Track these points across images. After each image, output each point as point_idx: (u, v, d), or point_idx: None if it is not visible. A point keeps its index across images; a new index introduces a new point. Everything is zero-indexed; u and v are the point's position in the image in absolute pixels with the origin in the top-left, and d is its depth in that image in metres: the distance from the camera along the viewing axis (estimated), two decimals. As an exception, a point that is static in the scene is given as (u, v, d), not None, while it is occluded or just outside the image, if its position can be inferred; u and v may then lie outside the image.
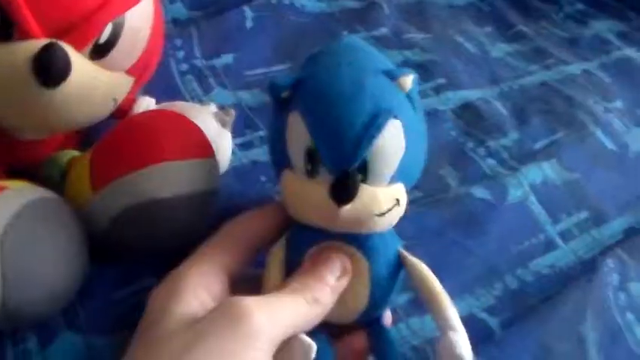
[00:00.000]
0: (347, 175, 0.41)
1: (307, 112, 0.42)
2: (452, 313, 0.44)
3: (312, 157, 0.42)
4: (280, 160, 0.45)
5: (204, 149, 0.50)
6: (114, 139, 0.49)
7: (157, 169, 0.46)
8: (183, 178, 0.47)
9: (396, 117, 0.42)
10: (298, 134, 0.43)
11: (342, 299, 0.44)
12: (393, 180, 0.43)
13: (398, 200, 0.44)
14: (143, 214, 0.46)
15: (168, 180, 0.46)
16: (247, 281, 0.45)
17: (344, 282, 0.44)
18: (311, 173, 0.43)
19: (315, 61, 0.46)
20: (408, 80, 0.44)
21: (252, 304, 0.38)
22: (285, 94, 0.44)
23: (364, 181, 0.42)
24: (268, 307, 0.39)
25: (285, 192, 0.45)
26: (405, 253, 0.46)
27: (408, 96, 0.44)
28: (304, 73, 0.44)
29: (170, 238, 0.47)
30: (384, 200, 0.43)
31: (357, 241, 0.44)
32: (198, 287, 0.41)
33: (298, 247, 0.45)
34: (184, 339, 0.37)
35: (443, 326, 0.43)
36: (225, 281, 0.43)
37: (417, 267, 0.45)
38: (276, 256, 0.45)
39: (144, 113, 0.54)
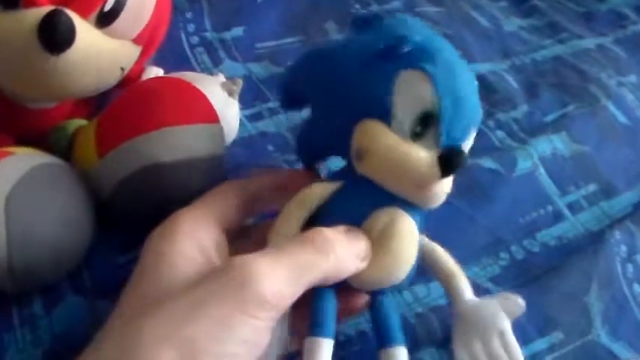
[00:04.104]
0: (459, 148, 0.41)
1: (440, 78, 0.41)
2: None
3: (426, 121, 0.41)
4: (360, 109, 0.42)
5: (208, 115, 0.50)
6: (118, 105, 0.50)
7: (161, 134, 0.46)
8: (188, 142, 0.47)
9: None
10: (418, 94, 0.41)
11: (394, 263, 0.43)
12: None
13: None
14: (147, 179, 0.47)
15: (172, 144, 0.47)
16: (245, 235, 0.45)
17: (363, 265, 0.42)
18: (416, 135, 0.41)
19: (408, 27, 0.44)
20: None
21: (258, 268, 0.36)
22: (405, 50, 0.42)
23: None
24: (276, 269, 0.37)
25: (372, 145, 0.42)
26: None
27: None
28: (422, 37, 0.42)
29: (175, 203, 0.47)
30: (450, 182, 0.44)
31: (414, 210, 0.44)
32: (193, 231, 0.40)
33: (354, 201, 0.44)
34: (184, 305, 0.35)
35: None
36: (220, 230, 0.43)
37: (430, 247, 0.48)
38: (305, 202, 0.44)
39: (148, 80, 0.55)
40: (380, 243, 0.43)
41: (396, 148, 0.41)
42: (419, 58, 0.41)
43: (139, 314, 0.36)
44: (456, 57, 0.43)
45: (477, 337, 0.46)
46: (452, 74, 0.42)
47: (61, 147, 0.53)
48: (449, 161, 0.40)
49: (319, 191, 0.44)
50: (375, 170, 0.42)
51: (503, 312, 0.47)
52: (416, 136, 0.41)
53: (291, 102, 0.52)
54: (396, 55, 0.41)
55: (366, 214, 0.43)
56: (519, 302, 0.47)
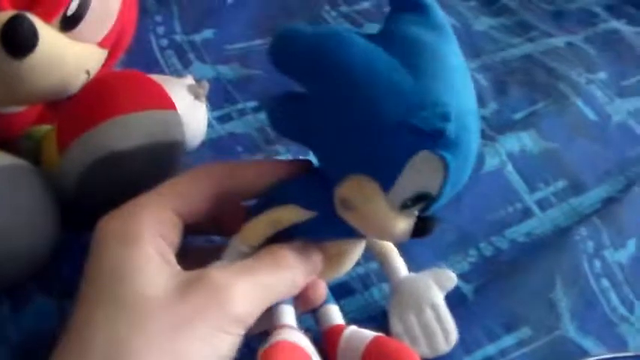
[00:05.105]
0: (434, 217, 0.41)
1: (454, 169, 0.38)
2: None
3: (419, 200, 0.40)
4: (364, 164, 0.39)
5: (160, 100, 0.50)
6: (73, 102, 0.50)
7: (114, 123, 0.46)
8: (141, 129, 0.47)
9: None
10: (427, 178, 0.39)
11: (342, 272, 0.48)
12: None
13: None
14: (105, 169, 0.46)
15: (125, 132, 0.46)
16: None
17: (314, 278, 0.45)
18: (404, 207, 0.40)
19: (450, 86, 0.39)
20: None
21: (236, 290, 0.38)
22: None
23: None
24: (250, 291, 0.39)
25: (361, 206, 0.40)
26: None
27: None
28: (457, 108, 0.38)
29: (136, 192, 0.46)
30: None
31: None
32: (156, 236, 0.40)
33: (323, 231, 0.44)
34: (171, 323, 0.36)
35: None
36: (180, 228, 0.42)
37: None
38: (277, 224, 0.43)
39: (99, 74, 0.54)
40: (335, 259, 0.46)
41: (384, 218, 0.40)
42: (444, 143, 0.38)
43: (124, 326, 0.36)
44: (475, 134, 0.40)
45: (410, 309, 0.49)
46: (465, 163, 0.40)
47: (30, 152, 0.53)
48: (422, 230, 0.41)
49: (293, 217, 0.43)
50: (355, 222, 0.42)
51: (435, 285, 0.49)
52: (404, 207, 0.40)
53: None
54: (430, 137, 0.38)
55: (330, 240, 0.45)
56: (451, 276, 0.50)
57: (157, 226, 0.40)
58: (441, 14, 0.43)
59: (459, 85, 0.40)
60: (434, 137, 0.37)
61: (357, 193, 0.40)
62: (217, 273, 0.39)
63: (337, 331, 0.47)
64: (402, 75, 0.38)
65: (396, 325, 0.49)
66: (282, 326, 0.42)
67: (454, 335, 0.48)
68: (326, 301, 0.48)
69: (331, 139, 0.40)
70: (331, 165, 0.42)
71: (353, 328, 0.47)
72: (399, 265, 0.50)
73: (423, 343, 0.48)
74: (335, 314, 0.48)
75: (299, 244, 0.44)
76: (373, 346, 0.45)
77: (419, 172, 0.38)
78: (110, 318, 0.37)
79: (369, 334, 0.46)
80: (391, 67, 0.39)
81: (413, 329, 0.48)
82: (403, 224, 0.40)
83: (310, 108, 0.41)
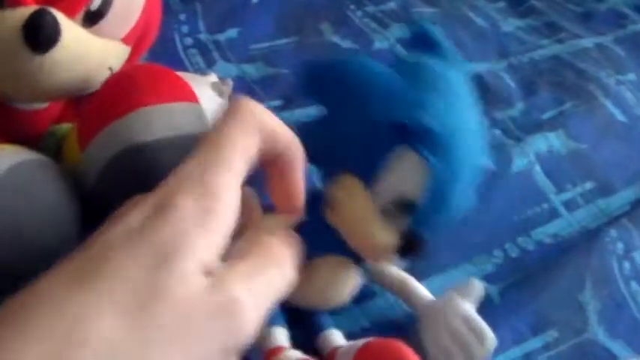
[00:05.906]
0: (421, 237, 0.41)
1: (440, 179, 0.39)
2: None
3: (403, 207, 0.40)
4: (350, 161, 0.41)
5: (184, 94, 0.49)
6: (94, 97, 0.49)
7: (136, 115, 0.45)
8: (165, 121, 0.46)
9: None
10: (407, 178, 0.39)
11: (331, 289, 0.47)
12: None
13: None
14: (127, 162, 0.46)
15: (147, 124, 0.45)
16: None
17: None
18: (388, 214, 0.41)
19: (436, 91, 0.41)
20: None
21: (253, 315, 0.32)
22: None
23: None
24: (262, 305, 0.33)
25: (342, 205, 0.42)
26: None
27: None
28: (438, 115, 0.39)
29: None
30: None
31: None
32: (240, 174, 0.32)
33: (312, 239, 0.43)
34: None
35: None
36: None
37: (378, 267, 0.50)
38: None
39: (121, 69, 0.54)
40: (323, 283, 0.46)
41: (364, 219, 0.41)
42: (428, 143, 0.39)
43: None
44: (472, 152, 0.41)
45: (443, 331, 0.47)
46: (456, 176, 0.40)
47: (52, 151, 0.53)
48: (407, 250, 0.41)
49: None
50: (338, 224, 0.43)
51: (462, 299, 0.47)
52: (386, 213, 0.41)
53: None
54: (407, 133, 0.39)
55: (318, 254, 0.45)
56: (476, 285, 0.48)
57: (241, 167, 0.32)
58: (454, 54, 0.46)
59: (457, 105, 0.41)
60: (417, 135, 0.38)
61: (341, 189, 0.42)
62: (242, 295, 0.31)
63: (336, 349, 0.46)
64: (401, 85, 0.41)
65: (433, 350, 0.47)
66: (281, 348, 0.43)
67: (490, 340, 0.46)
68: (328, 326, 0.48)
69: (333, 145, 0.42)
70: (328, 169, 0.44)
71: (349, 342, 0.46)
72: (420, 289, 0.50)
73: (461, 357, 0.46)
74: (336, 337, 0.47)
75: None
76: (364, 348, 0.44)
77: (400, 172, 0.39)
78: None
79: (362, 341, 0.45)
80: (392, 79, 0.41)
81: (448, 348, 0.46)
82: (385, 233, 0.41)
83: (325, 123, 0.43)
